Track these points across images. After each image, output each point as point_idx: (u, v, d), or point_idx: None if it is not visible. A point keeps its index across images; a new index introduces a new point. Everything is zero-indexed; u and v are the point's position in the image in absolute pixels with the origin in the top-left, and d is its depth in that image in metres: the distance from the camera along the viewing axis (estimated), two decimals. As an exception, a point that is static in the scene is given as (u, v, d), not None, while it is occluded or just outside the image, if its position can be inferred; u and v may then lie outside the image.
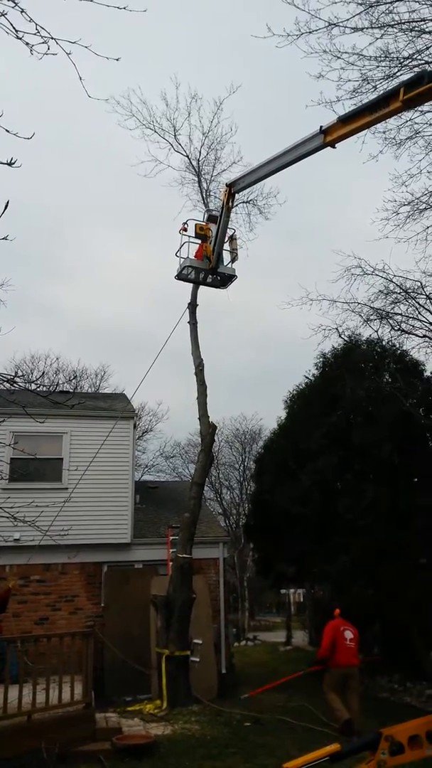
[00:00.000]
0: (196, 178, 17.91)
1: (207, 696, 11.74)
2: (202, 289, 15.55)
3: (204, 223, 14.12)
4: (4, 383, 4.42)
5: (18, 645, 9.01)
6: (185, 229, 14.05)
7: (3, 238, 3.82)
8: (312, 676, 10.65)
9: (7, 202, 3.51)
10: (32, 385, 4.58)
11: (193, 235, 14.03)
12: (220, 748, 8.43)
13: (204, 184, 17.79)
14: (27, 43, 3.74)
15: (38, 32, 3.71)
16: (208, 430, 14.28)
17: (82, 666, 8.73)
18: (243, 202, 17.97)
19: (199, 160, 17.86)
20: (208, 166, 17.96)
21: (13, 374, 4.22)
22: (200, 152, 17.83)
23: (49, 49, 3.77)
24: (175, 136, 17.76)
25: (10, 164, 3.44)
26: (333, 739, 7.62)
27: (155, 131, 17.76)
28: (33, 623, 13.14)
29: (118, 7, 4.05)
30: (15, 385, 4.53)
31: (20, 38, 3.73)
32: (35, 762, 7.26)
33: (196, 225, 14.06)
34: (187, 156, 17.89)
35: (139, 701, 11.61)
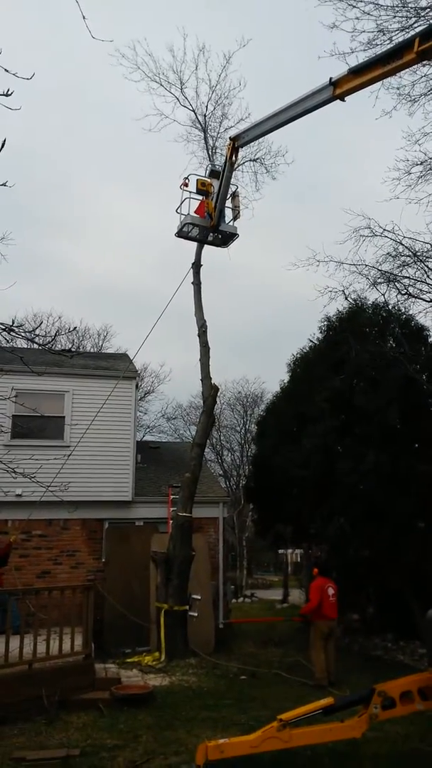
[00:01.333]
0: (202, 134, 17.48)
1: (204, 650, 12.02)
2: (207, 249, 15.31)
3: (206, 179, 13.74)
4: (2, 333, 4.35)
5: (20, 596, 9.18)
6: (186, 185, 13.62)
7: (2, 184, 3.69)
8: (304, 632, 10.98)
9: (4, 141, 3.38)
10: (31, 335, 4.50)
11: (194, 190, 13.66)
12: (216, 699, 8.65)
13: (210, 141, 17.36)
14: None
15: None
16: (210, 392, 14.27)
17: (82, 618, 8.90)
18: (249, 160, 17.57)
19: (205, 116, 17.40)
20: (215, 122, 17.51)
21: (10, 323, 4.13)
22: (207, 107, 17.37)
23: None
24: (181, 89, 17.28)
25: (6, 95, 3.28)
26: (327, 693, 7.81)
27: (161, 84, 17.29)
28: (35, 577, 13.37)
29: None
30: (13, 334, 4.47)
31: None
32: (35, 709, 7.47)
33: (197, 180, 13.66)
34: (194, 111, 17.43)
35: (138, 653, 11.89)
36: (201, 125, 17.43)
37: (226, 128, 17.30)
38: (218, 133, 17.40)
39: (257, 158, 17.63)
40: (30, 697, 7.55)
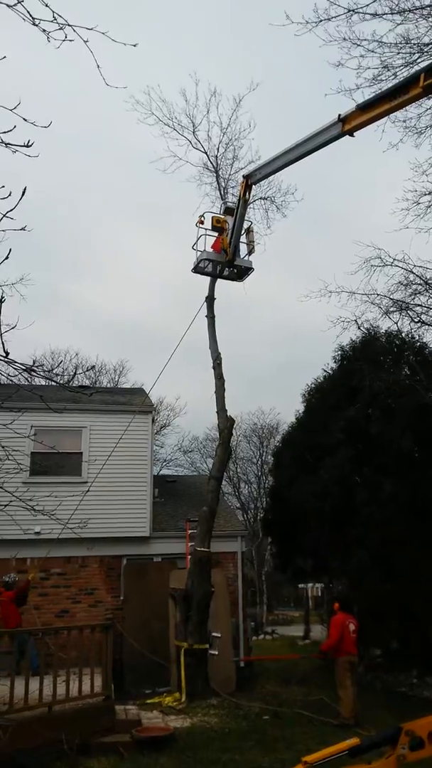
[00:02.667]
0: (214, 175, 17.79)
1: (225, 689, 11.76)
2: (220, 282, 15.50)
3: (221, 216, 14.07)
4: (23, 373, 4.43)
5: (40, 636, 9.09)
6: (202, 222, 14.02)
7: (21, 229, 3.81)
8: (328, 670, 10.71)
9: (24, 189, 3.49)
10: (51, 374, 4.56)
11: (210, 227, 13.99)
12: (239, 740, 8.44)
13: (222, 182, 17.67)
14: (44, 30, 3.72)
15: (55, 19, 3.69)
16: (226, 424, 14.26)
17: (101, 658, 8.79)
18: (260, 198, 17.84)
19: (217, 157, 17.73)
20: (226, 164, 17.85)
21: (31, 364, 4.21)
22: (218, 149, 17.72)
23: (66, 36, 3.74)
24: (193, 132, 17.71)
25: (27, 146, 3.41)
26: (352, 733, 7.59)
27: (174, 128, 17.68)
28: (54, 616, 13.26)
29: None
30: (33, 374, 4.54)
31: (37, 24, 3.71)
32: (55, 753, 7.32)
33: (212, 217, 14.03)
34: (206, 152, 17.78)
35: (159, 694, 11.66)
36: (213, 166, 17.74)
37: (237, 170, 17.58)
38: (229, 174, 17.69)
39: (267, 196, 17.91)
40: (50, 741, 7.40)
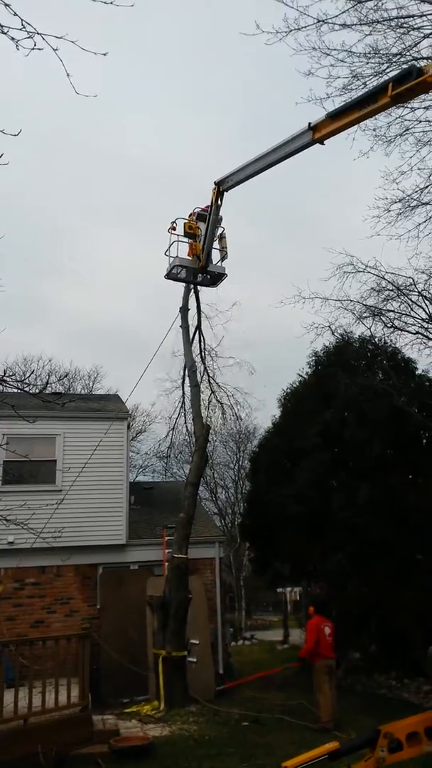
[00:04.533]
0: None
1: (204, 696, 11.70)
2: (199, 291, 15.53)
3: (193, 222, 14.06)
4: (-6, 383, 4.37)
5: (12, 648, 8.95)
6: (174, 228, 14.00)
7: (-8, 236, 3.76)
8: (307, 674, 10.72)
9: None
10: (22, 384, 4.51)
11: (182, 234, 13.98)
12: (219, 748, 8.40)
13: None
14: (12, 38, 3.70)
15: (24, 27, 3.67)
16: (202, 431, 14.24)
17: (78, 668, 8.68)
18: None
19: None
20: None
21: (2, 374, 4.16)
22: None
23: (35, 45, 3.72)
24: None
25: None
26: (332, 737, 7.61)
27: None
28: (29, 626, 13.07)
29: (105, 2, 4.01)
30: (4, 384, 4.49)
31: (5, 33, 3.68)
32: (32, 766, 7.20)
33: (185, 224, 14.01)
34: None
35: (137, 703, 11.56)
36: None
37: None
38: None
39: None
40: (26, 754, 7.28)
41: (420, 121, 10.93)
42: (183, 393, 17.29)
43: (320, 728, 9.47)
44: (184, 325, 15.49)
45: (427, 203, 12.02)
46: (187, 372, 15.15)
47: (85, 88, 4.50)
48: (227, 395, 18.34)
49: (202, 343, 16.80)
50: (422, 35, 9.69)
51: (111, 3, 4.05)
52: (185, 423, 18.26)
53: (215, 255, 14.13)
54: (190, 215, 14.08)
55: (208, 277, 14.31)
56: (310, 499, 14.20)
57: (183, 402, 17.43)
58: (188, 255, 14.05)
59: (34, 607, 13.44)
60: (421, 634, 13.58)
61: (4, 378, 4.22)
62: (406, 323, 14.22)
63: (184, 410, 17.57)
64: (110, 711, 10.66)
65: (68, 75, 3.98)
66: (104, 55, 4.08)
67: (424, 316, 13.91)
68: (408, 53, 9.84)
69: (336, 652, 10.70)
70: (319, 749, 5.28)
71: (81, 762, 7.61)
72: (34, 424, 12.32)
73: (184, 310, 15.57)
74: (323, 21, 9.64)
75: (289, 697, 12.35)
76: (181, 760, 7.78)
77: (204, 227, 13.53)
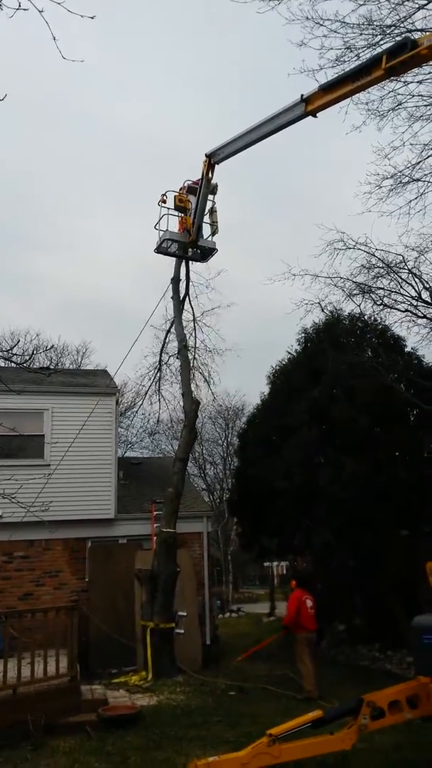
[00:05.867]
0: None
1: (192, 667, 11.90)
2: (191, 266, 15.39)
3: (184, 195, 13.85)
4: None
5: (3, 620, 9.03)
6: (164, 201, 13.74)
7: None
8: (291, 646, 10.97)
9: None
10: (8, 354, 4.46)
11: (173, 207, 13.77)
12: (205, 717, 8.56)
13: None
14: (-6, -3, 3.58)
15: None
16: (192, 407, 14.24)
17: (67, 640, 8.77)
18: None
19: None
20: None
21: (-12, 344, 4.12)
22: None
23: (20, 5, 3.61)
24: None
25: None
26: (316, 706, 7.77)
27: None
28: (17, 599, 13.15)
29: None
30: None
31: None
32: (21, 734, 7.32)
33: (175, 197, 13.79)
34: None
35: (125, 673, 11.73)
36: None
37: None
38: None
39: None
40: (15, 723, 7.40)
41: (413, 96, 10.80)
42: (160, 361, 17.39)
43: (305, 698, 9.70)
44: (175, 297, 15.38)
45: (418, 179, 11.94)
46: (178, 347, 15.07)
47: (76, 54, 4.38)
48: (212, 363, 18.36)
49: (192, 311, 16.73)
50: (417, 6, 9.52)
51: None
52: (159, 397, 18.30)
53: (206, 230, 13.95)
54: (180, 189, 13.87)
55: (198, 251, 14.15)
56: (298, 475, 14.31)
57: (159, 372, 17.49)
58: (178, 229, 13.87)
59: (23, 580, 13.53)
60: (404, 607, 13.82)
61: (-9, 349, 4.17)
62: (395, 301, 14.22)
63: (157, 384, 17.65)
64: (99, 681, 10.82)
65: (54, 38, 3.87)
66: (91, 18, 3.97)
67: (413, 293, 13.92)
68: (402, 25, 9.67)
69: (317, 625, 10.97)
70: (303, 717, 5.41)
71: (70, 730, 7.73)
72: (22, 398, 12.36)
73: (175, 281, 15.44)
74: (317, -11, 9.43)
75: (274, 667, 12.58)
76: (168, 728, 7.92)
77: (194, 200, 13.32)
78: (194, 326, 17.02)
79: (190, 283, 16.15)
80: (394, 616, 13.77)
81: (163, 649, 11.55)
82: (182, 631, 12.12)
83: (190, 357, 15.99)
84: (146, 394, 18.60)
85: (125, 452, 33.70)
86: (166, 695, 9.97)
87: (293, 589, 11.09)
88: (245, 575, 46.67)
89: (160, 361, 17.65)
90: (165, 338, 17.10)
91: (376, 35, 9.87)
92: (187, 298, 16.17)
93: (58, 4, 3.63)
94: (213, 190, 13.32)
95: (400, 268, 13.74)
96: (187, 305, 16.23)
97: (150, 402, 18.85)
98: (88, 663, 11.93)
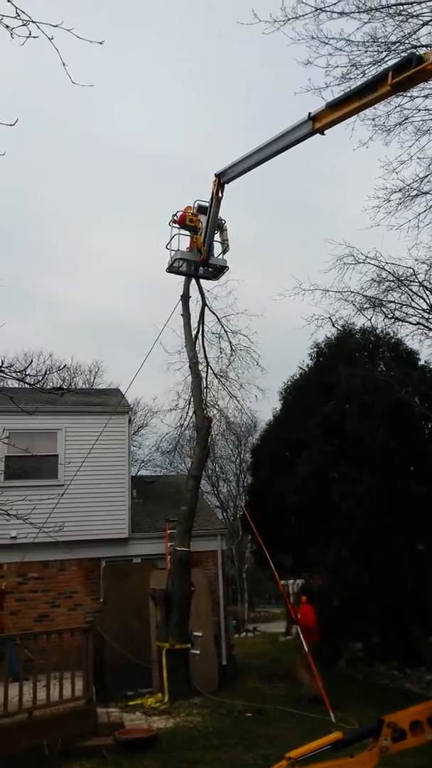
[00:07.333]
0: None
1: (208, 688, 11.76)
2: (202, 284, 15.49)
3: (194, 214, 13.99)
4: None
5: (17, 642, 8.98)
6: (175, 221, 13.95)
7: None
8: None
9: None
10: (22, 375, 4.48)
11: (183, 226, 13.92)
12: (222, 739, 8.44)
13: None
14: (7, 26, 3.66)
15: (18, 15, 3.63)
16: (204, 423, 14.23)
17: (82, 662, 8.71)
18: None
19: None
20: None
21: (0, 364, 4.14)
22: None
23: (30, 33, 3.68)
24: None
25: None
26: (335, 727, 7.64)
27: None
28: (33, 621, 13.10)
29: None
30: (3, 375, 4.46)
31: (-1, 21, 3.64)
32: (37, 758, 7.24)
33: (185, 216, 13.93)
34: None
35: (141, 695, 11.61)
36: None
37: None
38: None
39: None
40: (31, 747, 7.32)
41: (419, 110, 10.85)
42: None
43: (312, 699, 10.20)
44: (186, 314, 15.43)
45: (426, 192, 11.96)
46: (189, 363, 15.10)
47: (81, 72, 4.45)
48: (230, 383, 18.21)
49: (203, 331, 16.73)
50: (421, 22, 9.60)
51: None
52: (187, 415, 18.07)
53: (217, 248, 14.07)
54: (186, 208, 14.03)
55: (210, 269, 14.28)
56: (311, 491, 14.21)
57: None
58: (189, 248, 13.98)
59: (38, 602, 13.48)
60: (421, 623, 13.62)
61: (3, 368, 4.19)
62: (406, 314, 14.19)
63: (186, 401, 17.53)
64: (114, 704, 10.71)
65: (64, 64, 3.94)
66: (100, 43, 4.04)
67: (424, 306, 13.87)
68: (407, 41, 9.75)
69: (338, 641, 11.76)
70: (323, 739, 5.29)
71: (86, 754, 7.65)
72: (35, 418, 12.40)
73: (185, 298, 15.51)
74: (321, 9, 9.53)
75: (292, 687, 12.41)
76: (185, 751, 7.82)
77: (205, 220, 13.47)
78: (208, 341, 17.02)
79: (206, 299, 16.26)
80: (411, 632, 13.57)
81: (179, 670, 11.43)
82: (198, 652, 11.98)
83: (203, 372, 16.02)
84: (184, 407, 18.32)
85: (138, 471, 33.70)
86: (183, 717, 9.84)
87: (303, 603, 12.06)
88: (260, 594, 46.17)
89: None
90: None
91: (382, 52, 9.96)
92: (204, 314, 16.29)
93: (68, 30, 3.69)
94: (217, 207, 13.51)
95: (411, 281, 13.73)
96: (207, 319, 16.39)
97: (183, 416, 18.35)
98: (104, 685, 11.81)
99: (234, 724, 9.43)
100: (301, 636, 11.37)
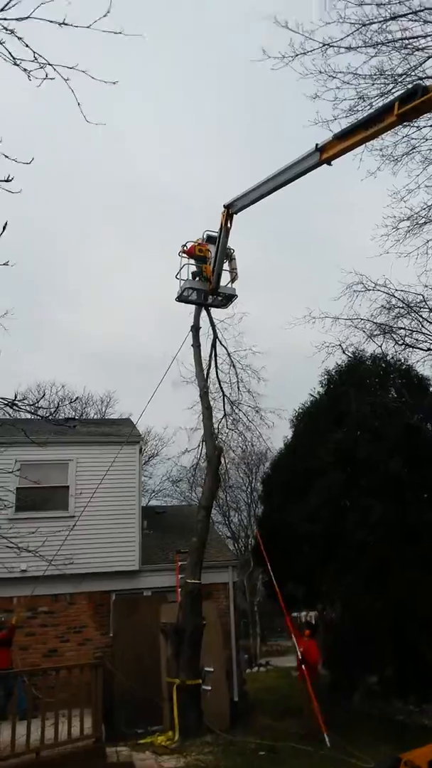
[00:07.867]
0: None
1: (220, 725, 11.46)
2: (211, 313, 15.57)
3: (203, 245, 14.17)
4: (5, 407, 4.35)
5: (26, 680, 8.83)
6: (184, 251, 14.13)
7: (4, 264, 3.78)
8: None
9: (6, 223, 3.47)
10: (34, 408, 4.48)
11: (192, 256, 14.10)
12: (235, 779, 8.17)
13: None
14: (25, 70, 3.76)
15: (36, 59, 3.73)
16: (214, 453, 14.13)
17: (91, 699, 8.53)
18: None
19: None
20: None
21: (13, 397, 4.13)
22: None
23: (47, 75, 3.77)
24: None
25: (7, 180, 3.41)
26: (350, 765, 7.39)
27: None
28: (42, 656, 12.88)
29: (114, 32, 4.06)
30: (16, 408, 4.46)
31: (17, 64, 3.74)
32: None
33: (195, 247, 14.12)
34: None
35: (151, 733, 11.33)
36: None
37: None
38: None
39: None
40: (39, 789, 7.13)
41: (426, 140, 10.95)
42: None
43: (313, 733, 10.28)
44: (196, 344, 15.45)
45: (435, 220, 12.00)
46: (199, 392, 15.08)
47: (94, 109, 4.53)
48: (244, 415, 18.07)
49: (216, 361, 16.70)
50: (427, 55, 9.74)
51: (120, 33, 4.09)
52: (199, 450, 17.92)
53: (225, 277, 14.21)
54: (196, 240, 14.24)
55: (219, 298, 14.39)
56: (323, 519, 14.05)
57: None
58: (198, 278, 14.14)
59: (47, 636, 13.27)
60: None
61: (16, 402, 4.19)
62: (417, 340, 14.14)
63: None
64: (124, 742, 10.45)
65: (78, 104, 4.03)
66: (114, 83, 4.12)
67: (435, 332, 13.81)
68: (413, 73, 9.88)
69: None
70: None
71: (95, 796, 7.43)
72: (46, 449, 12.38)
73: (195, 329, 15.56)
74: (328, 44, 9.70)
75: (304, 724, 12.05)
76: (198, 793, 7.57)
77: (214, 250, 13.64)
78: (223, 370, 17.01)
79: (216, 330, 16.30)
80: (427, 664, 13.22)
81: (190, 707, 11.14)
82: (209, 688, 11.70)
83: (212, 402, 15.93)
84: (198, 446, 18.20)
85: (149, 501, 33.51)
86: (194, 756, 9.56)
87: (307, 637, 11.94)
88: (273, 627, 45.33)
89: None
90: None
91: (388, 84, 10.09)
92: (216, 345, 16.32)
93: (83, 72, 3.78)
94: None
95: (421, 308, 13.72)
96: (219, 350, 16.41)
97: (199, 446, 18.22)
98: (113, 721, 11.56)
99: (246, 763, 9.16)
100: (305, 674, 11.31)
